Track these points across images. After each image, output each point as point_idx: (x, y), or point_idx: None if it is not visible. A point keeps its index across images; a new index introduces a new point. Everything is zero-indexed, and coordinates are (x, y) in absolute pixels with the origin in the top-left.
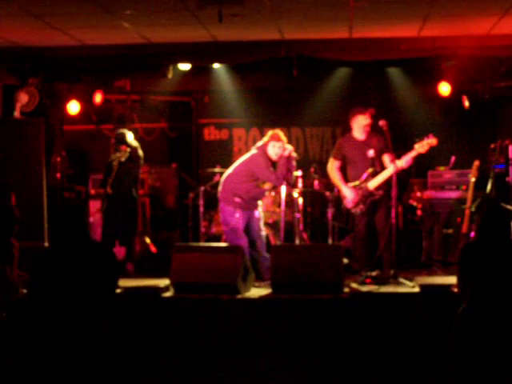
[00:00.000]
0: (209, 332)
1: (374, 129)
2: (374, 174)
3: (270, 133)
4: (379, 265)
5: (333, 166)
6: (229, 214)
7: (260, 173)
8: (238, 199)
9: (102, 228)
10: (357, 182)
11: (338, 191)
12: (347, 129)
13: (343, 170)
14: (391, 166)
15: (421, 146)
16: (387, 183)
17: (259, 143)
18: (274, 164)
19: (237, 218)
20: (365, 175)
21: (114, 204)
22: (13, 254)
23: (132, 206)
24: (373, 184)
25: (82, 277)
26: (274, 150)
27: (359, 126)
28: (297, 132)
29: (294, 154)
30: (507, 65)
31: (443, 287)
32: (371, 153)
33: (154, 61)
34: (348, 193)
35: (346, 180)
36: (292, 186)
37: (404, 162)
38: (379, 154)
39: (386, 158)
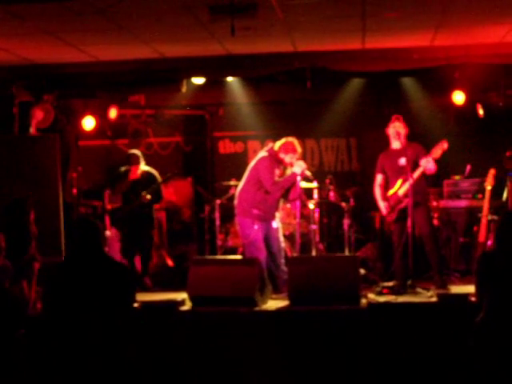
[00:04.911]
0: (226, 345)
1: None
2: (404, 182)
3: (283, 141)
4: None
5: (375, 182)
6: (247, 227)
7: (262, 174)
8: (255, 211)
9: (122, 243)
10: (390, 192)
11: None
12: (362, 140)
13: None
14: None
15: (435, 151)
16: (422, 189)
17: (269, 146)
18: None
19: (256, 229)
20: (396, 183)
21: (133, 220)
22: (32, 269)
23: (150, 222)
24: (402, 191)
25: (95, 292)
26: (290, 160)
27: (390, 135)
28: (312, 143)
29: (308, 173)
30: None
31: (461, 297)
32: (403, 161)
33: (168, 75)
34: (381, 206)
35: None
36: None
37: (425, 161)
38: (416, 161)
39: (423, 161)
